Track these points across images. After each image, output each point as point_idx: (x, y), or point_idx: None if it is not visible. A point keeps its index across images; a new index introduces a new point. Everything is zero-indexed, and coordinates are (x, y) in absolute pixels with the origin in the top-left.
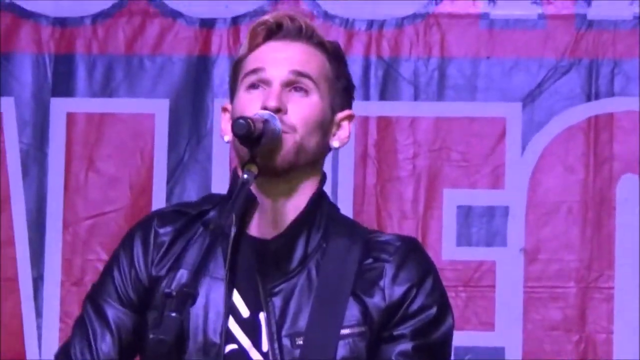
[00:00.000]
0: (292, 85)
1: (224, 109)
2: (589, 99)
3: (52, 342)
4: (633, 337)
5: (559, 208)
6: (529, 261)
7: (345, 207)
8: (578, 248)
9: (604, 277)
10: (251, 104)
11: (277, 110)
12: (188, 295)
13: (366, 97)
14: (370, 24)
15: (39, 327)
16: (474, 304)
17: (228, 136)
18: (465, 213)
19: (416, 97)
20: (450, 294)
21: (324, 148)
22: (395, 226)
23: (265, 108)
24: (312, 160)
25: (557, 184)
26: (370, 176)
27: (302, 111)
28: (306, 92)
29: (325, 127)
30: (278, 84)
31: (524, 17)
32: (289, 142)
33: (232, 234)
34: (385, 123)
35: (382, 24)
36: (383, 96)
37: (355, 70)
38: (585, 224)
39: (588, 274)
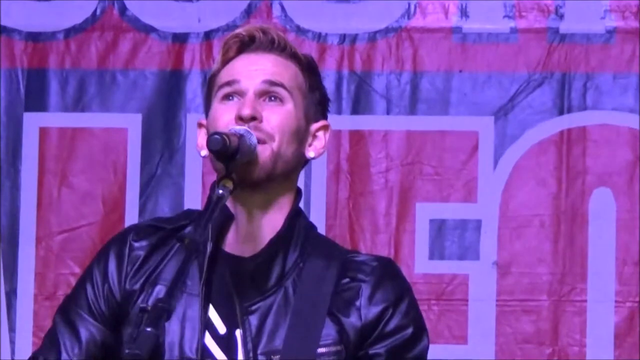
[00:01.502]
0: (266, 94)
1: (200, 125)
2: (561, 112)
3: (25, 356)
4: (606, 350)
5: (532, 222)
6: (502, 275)
7: (318, 221)
8: (550, 261)
9: (576, 291)
10: (225, 115)
11: (252, 119)
12: (163, 310)
13: (339, 111)
14: (343, 38)
15: (12, 342)
16: (446, 317)
17: (204, 151)
18: (438, 227)
19: (389, 111)
20: (423, 308)
21: (300, 158)
22: (367, 240)
23: (240, 117)
24: (288, 171)
25: (529, 198)
26: (342, 190)
27: (277, 119)
28: (280, 100)
29: (300, 136)
30: (252, 93)
31: (496, 31)
32: (266, 151)
33: (209, 250)
34: (357, 137)
35: (354, 38)
36: (355, 110)
37: (327, 84)
38: (557, 237)
39: (560, 287)
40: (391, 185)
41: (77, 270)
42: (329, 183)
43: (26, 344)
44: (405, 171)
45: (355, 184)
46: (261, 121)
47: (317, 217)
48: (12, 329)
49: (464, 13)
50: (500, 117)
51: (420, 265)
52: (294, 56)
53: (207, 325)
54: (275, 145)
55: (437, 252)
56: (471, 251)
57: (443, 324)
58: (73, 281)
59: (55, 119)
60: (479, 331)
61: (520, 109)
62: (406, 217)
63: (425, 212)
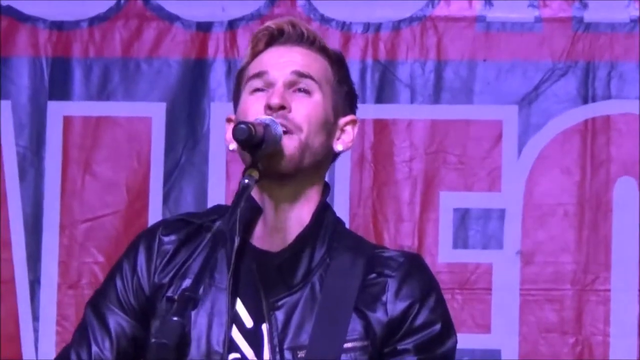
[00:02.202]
0: (295, 85)
1: (228, 120)
2: (585, 101)
3: (49, 345)
4: (629, 339)
5: (556, 211)
6: (525, 264)
7: (342, 210)
8: (574, 250)
9: (600, 280)
10: (254, 105)
11: (281, 108)
12: (189, 299)
13: (363, 100)
14: (367, 26)
15: (36, 330)
16: (470, 306)
17: (233, 144)
18: (462, 216)
19: (413, 100)
20: (447, 297)
21: (328, 150)
22: (391, 229)
23: (269, 106)
24: (316, 163)
25: (553, 187)
26: (366, 179)
27: (306, 110)
28: (309, 92)
29: (328, 128)
30: (281, 84)
31: (520, 20)
32: (294, 142)
33: (236, 243)
34: (381, 126)
35: (378, 26)
36: (380, 99)
37: (352, 73)
38: (581, 226)
39: (584, 276)
40: (415, 174)
41: (101, 259)
42: (353, 172)
43: (50, 332)
44: (429, 160)
45: (379, 173)
46: (290, 111)
47: (341, 206)
48: (35, 318)
49: (488, 2)
50: (524, 106)
51: (444, 254)
52: (322, 50)
53: (235, 318)
54: (303, 136)
55: (460, 241)
56: (495, 240)
57: (466, 313)
58: (97, 270)
59: (79, 107)
60: (503, 320)
61: (545, 98)
62: (430, 206)
63: (449, 201)
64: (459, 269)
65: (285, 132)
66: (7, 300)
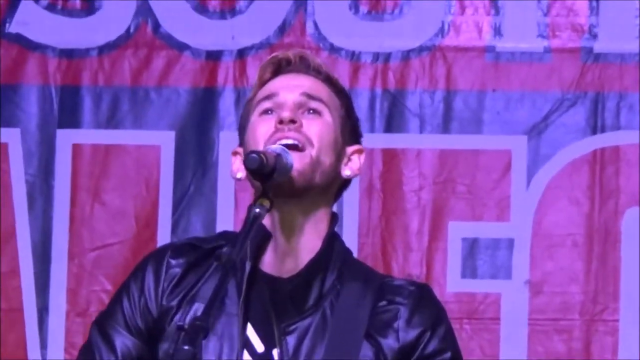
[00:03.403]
0: (305, 106)
1: (234, 153)
2: (594, 132)
3: None
4: None
5: (564, 241)
6: (534, 294)
7: (350, 239)
8: (583, 281)
9: (609, 310)
10: (263, 126)
11: (292, 121)
12: (200, 328)
13: (372, 129)
14: (376, 56)
15: (44, 358)
16: (478, 336)
17: (240, 173)
18: (470, 245)
19: (422, 130)
20: (455, 327)
21: (337, 174)
22: (400, 258)
23: (280, 121)
24: (326, 184)
25: (562, 217)
26: (375, 208)
27: (316, 128)
28: (319, 113)
29: (338, 150)
30: (291, 103)
31: (530, 50)
32: (305, 158)
33: (247, 269)
34: (390, 155)
35: (388, 56)
36: (389, 128)
37: (361, 102)
38: (590, 257)
39: (593, 306)
40: (424, 204)
41: (109, 287)
42: (361, 201)
43: None
44: (438, 190)
45: (388, 202)
46: (301, 126)
47: (350, 235)
48: (43, 346)
49: (497, 32)
50: (533, 136)
51: (452, 284)
52: (329, 80)
53: (246, 344)
54: (314, 152)
55: (469, 270)
56: (503, 270)
57: (475, 343)
58: (105, 298)
59: (89, 135)
60: (511, 350)
61: (554, 128)
62: (439, 236)
63: (457, 231)
64: (468, 299)
65: (296, 148)
66: (15, 328)
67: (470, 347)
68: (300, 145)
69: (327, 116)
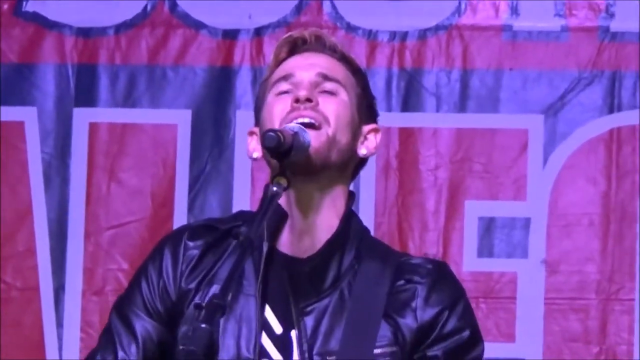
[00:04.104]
0: (321, 86)
1: (250, 132)
2: (611, 111)
3: (73, 352)
4: None
5: (581, 220)
6: (550, 273)
7: (367, 219)
8: (599, 260)
9: (625, 290)
10: (280, 106)
11: (308, 100)
12: (218, 306)
13: (388, 108)
14: (393, 35)
15: (60, 337)
16: (494, 315)
17: (256, 153)
18: (487, 225)
19: (438, 109)
20: (472, 305)
21: (353, 153)
22: (416, 238)
23: (296, 99)
24: (342, 162)
25: (579, 196)
26: (391, 188)
27: (333, 107)
28: (334, 94)
29: (354, 129)
30: (307, 82)
31: (546, 29)
32: (322, 137)
33: (265, 250)
34: (407, 134)
35: (404, 35)
36: (405, 107)
37: (377, 81)
38: (606, 236)
39: (609, 286)
40: (440, 183)
41: (126, 266)
42: (377, 180)
43: (74, 339)
44: (454, 169)
45: (404, 181)
46: (317, 104)
47: (366, 215)
48: (59, 325)
49: (514, 11)
50: (550, 115)
51: (468, 263)
52: (345, 59)
53: (264, 325)
54: (330, 130)
55: (485, 250)
56: (520, 249)
57: (491, 322)
58: (121, 277)
59: (105, 114)
60: (527, 329)
61: (571, 107)
62: (455, 215)
63: (474, 210)
64: (484, 278)
65: (312, 126)
66: (31, 307)
67: (487, 326)
68: (316, 124)
69: (344, 95)
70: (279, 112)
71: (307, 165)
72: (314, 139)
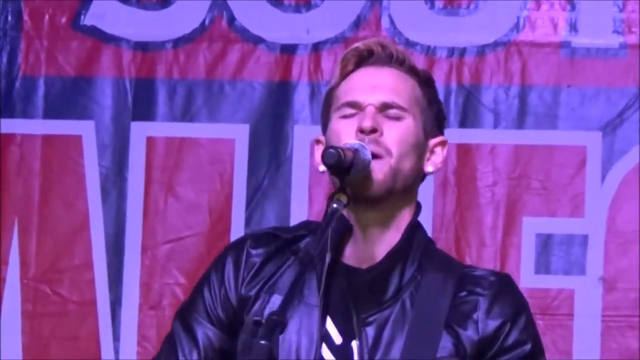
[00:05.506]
0: (385, 112)
1: (317, 141)
2: None
3: None
4: None
5: (639, 237)
6: (608, 290)
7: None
8: None
9: None
10: (346, 129)
11: (373, 131)
12: (277, 323)
13: (446, 124)
14: (452, 51)
15: (117, 351)
16: (551, 332)
17: (323, 166)
18: (544, 241)
19: (496, 125)
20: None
21: (419, 172)
22: (473, 254)
23: (361, 130)
24: (407, 186)
25: (636, 213)
26: (449, 203)
27: (396, 133)
28: (399, 119)
29: (419, 150)
30: (372, 110)
31: (605, 46)
32: (385, 168)
33: (327, 261)
34: (465, 150)
35: (463, 51)
36: (463, 123)
37: None
38: None
39: None
40: (498, 199)
41: (182, 280)
42: (435, 196)
43: (130, 353)
44: (512, 185)
45: (462, 197)
46: (381, 134)
47: None
48: (116, 339)
49: (573, 27)
50: (608, 132)
51: (526, 279)
52: (412, 70)
53: (324, 335)
54: (393, 161)
55: (543, 266)
56: (577, 266)
57: (548, 339)
58: (178, 291)
59: (163, 128)
60: (584, 346)
61: (629, 124)
62: (512, 231)
63: (531, 227)
64: (541, 295)
65: (375, 157)
66: (88, 321)
67: (544, 343)
68: (379, 155)
69: (408, 119)
70: (344, 137)
71: (370, 195)
72: (377, 171)
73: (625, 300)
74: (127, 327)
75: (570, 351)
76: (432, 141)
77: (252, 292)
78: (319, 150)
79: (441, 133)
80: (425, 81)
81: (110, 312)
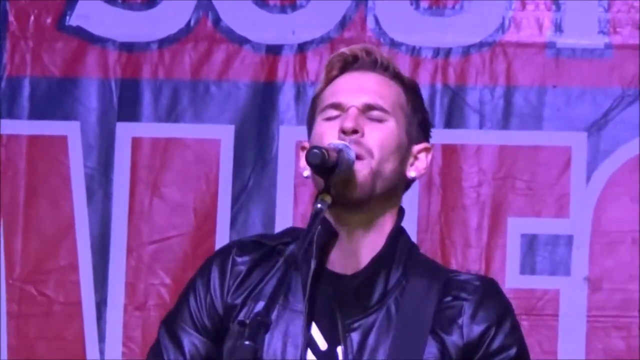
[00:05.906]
0: (368, 114)
1: (302, 148)
2: None
3: None
4: None
5: (624, 238)
6: (593, 290)
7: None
8: None
9: None
10: (329, 131)
11: (354, 132)
12: (261, 324)
13: (431, 124)
14: (437, 52)
15: (102, 352)
16: (537, 332)
17: (307, 171)
18: (529, 242)
19: (481, 125)
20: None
21: (401, 176)
22: (458, 254)
23: (342, 130)
24: (389, 189)
25: (622, 214)
26: (434, 204)
27: (378, 135)
28: (381, 121)
29: (401, 154)
30: (354, 111)
31: (590, 47)
32: (365, 169)
33: (312, 267)
34: (450, 151)
35: (448, 52)
36: (448, 124)
37: None
38: None
39: None
40: (483, 200)
41: (168, 280)
42: (421, 197)
43: (116, 354)
44: (497, 186)
45: (447, 198)
46: (362, 135)
47: (409, 231)
48: (101, 339)
49: (558, 28)
50: (593, 133)
51: (511, 280)
52: (397, 77)
53: (309, 341)
54: (374, 163)
55: (528, 267)
56: (562, 266)
57: (533, 339)
58: (163, 292)
59: (148, 129)
60: (569, 347)
61: (614, 125)
62: (498, 232)
63: (516, 227)
64: (526, 295)
65: (357, 158)
66: (73, 322)
67: (529, 343)
68: (360, 156)
69: (391, 122)
70: (327, 138)
71: (352, 198)
72: (359, 172)
73: (610, 300)
74: (113, 328)
75: (555, 351)
76: (416, 147)
77: (238, 301)
78: (304, 155)
79: (426, 140)
80: (410, 88)
81: (95, 313)
